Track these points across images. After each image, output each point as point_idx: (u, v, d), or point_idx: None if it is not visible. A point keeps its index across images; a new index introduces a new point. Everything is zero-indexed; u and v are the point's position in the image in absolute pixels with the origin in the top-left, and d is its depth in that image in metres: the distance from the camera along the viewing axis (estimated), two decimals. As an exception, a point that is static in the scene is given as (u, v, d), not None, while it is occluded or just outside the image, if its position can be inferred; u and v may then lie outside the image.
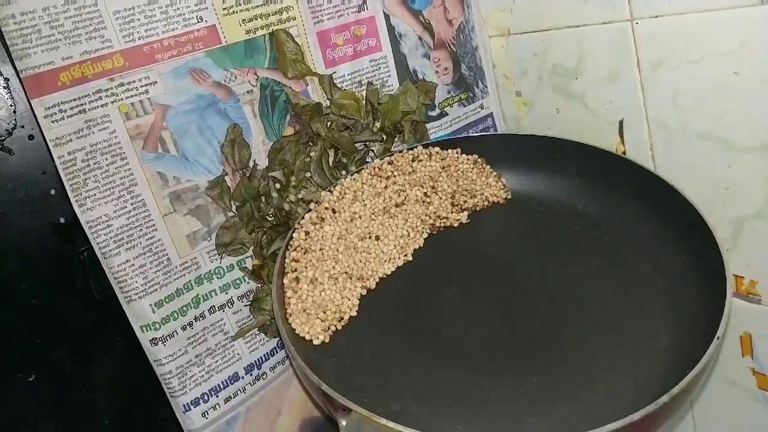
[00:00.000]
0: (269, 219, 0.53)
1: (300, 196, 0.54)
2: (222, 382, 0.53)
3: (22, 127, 0.51)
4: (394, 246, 0.52)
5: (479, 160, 0.57)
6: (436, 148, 0.56)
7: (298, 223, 0.51)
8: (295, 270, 0.48)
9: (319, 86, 0.55)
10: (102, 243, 0.47)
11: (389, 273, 0.51)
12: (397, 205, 0.53)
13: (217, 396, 0.53)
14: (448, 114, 0.62)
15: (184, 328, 0.51)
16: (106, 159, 0.47)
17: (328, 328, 0.46)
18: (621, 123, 0.55)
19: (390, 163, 0.55)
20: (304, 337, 0.45)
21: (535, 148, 0.56)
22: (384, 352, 0.45)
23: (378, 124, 0.56)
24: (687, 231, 0.46)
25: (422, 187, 0.55)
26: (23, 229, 0.53)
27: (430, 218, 0.54)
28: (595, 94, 0.56)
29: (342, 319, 0.47)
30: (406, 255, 0.52)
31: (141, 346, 0.50)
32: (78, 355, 0.57)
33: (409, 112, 0.57)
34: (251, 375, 0.54)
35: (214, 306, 0.53)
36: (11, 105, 0.50)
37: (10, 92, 0.50)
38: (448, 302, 0.48)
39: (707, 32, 0.45)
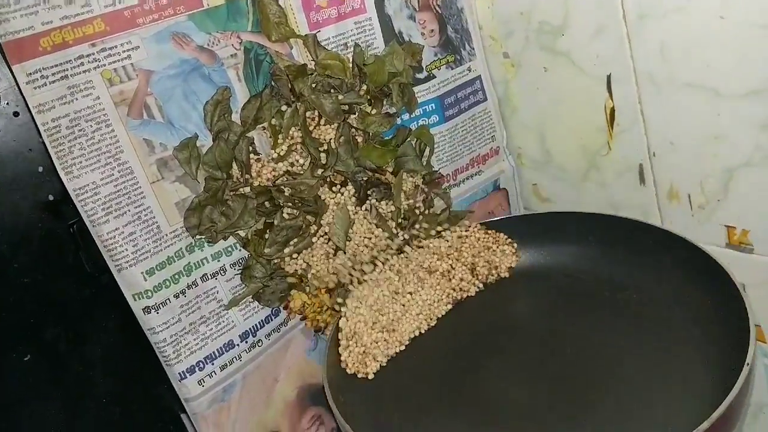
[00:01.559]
0: (246, 195, 0.52)
1: (290, 160, 0.54)
2: (217, 349, 0.53)
3: (7, 104, 0.50)
4: (421, 310, 0.57)
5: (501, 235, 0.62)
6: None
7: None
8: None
9: (303, 48, 0.54)
10: (90, 211, 0.47)
11: (418, 334, 0.56)
12: (428, 271, 0.58)
13: (213, 364, 0.52)
14: (435, 77, 0.61)
15: (176, 296, 0.51)
16: (91, 126, 0.46)
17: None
18: (609, 78, 0.55)
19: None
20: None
21: (554, 223, 0.60)
22: (420, 410, 0.49)
23: (364, 87, 0.56)
24: (706, 276, 0.48)
25: (447, 258, 0.59)
26: (12, 207, 0.52)
27: (454, 291, 0.58)
28: (582, 50, 0.56)
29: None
30: (430, 320, 0.57)
31: (137, 322, 0.50)
32: (73, 332, 0.56)
33: (395, 74, 0.57)
34: (246, 342, 0.54)
35: (207, 274, 0.52)
36: None
37: None
38: (486, 368, 0.51)
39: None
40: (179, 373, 0.51)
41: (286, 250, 0.54)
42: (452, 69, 0.62)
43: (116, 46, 0.46)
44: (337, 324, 0.55)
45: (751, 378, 0.40)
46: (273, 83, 0.53)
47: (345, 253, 0.56)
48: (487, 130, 0.66)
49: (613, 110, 0.56)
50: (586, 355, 0.50)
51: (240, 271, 0.54)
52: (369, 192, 0.58)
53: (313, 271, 0.56)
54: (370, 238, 0.57)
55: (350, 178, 0.57)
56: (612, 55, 0.53)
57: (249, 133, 0.53)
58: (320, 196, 0.55)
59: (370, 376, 0.53)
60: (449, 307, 0.58)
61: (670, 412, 0.42)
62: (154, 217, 0.49)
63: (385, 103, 0.58)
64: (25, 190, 0.53)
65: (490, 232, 0.61)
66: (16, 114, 0.50)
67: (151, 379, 0.57)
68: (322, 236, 0.56)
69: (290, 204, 0.54)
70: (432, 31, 0.60)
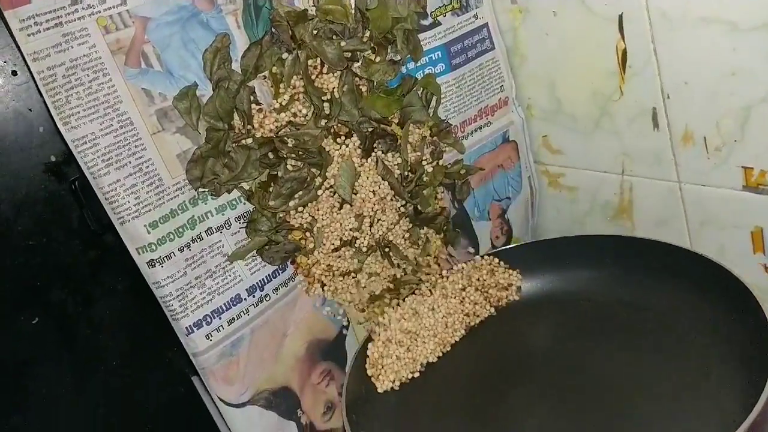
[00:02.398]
0: (249, 146, 0.51)
1: (293, 111, 0.53)
2: (224, 304, 0.52)
3: (5, 62, 0.49)
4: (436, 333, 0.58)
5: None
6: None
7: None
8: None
9: (300, -11, 0.53)
10: (90, 162, 0.46)
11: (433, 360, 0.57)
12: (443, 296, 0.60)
13: (220, 318, 0.52)
14: (441, 23, 0.59)
15: (181, 250, 0.50)
16: (88, 75, 0.45)
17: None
18: (620, 17, 0.53)
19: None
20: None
21: (568, 248, 0.61)
22: None
23: (367, 33, 0.54)
24: (724, 291, 0.48)
25: (459, 283, 0.61)
26: (13, 169, 0.52)
27: (467, 316, 0.60)
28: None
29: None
30: (444, 346, 0.58)
31: (146, 284, 0.49)
32: (80, 295, 0.56)
33: (399, 20, 0.55)
34: (254, 297, 0.54)
35: (212, 227, 0.52)
36: None
37: None
38: (508, 396, 0.52)
39: None
40: (186, 328, 0.51)
41: (291, 203, 0.53)
42: (458, 16, 0.60)
43: (111, -8, 0.45)
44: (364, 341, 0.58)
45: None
46: (273, 30, 0.51)
47: (351, 206, 0.55)
48: (496, 80, 0.65)
49: (625, 52, 0.54)
50: (609, 379, 0.50)
51: (245, 224, 0.53)
52: (375, 144, 0.57)
53: (319, 225, 0.55)
54: (375, 192, 0.56)
55: (355, 129, 0.55)
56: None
57: (250, 83, 0.51)
58: (324, 148, 0.54)
59: (380, 389, 0.55)
60: (463, 332, 0.59)
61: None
62: (156, 169, 0.48)
63: (389, 50, 0.56)
64: (26, 150, 0.52)
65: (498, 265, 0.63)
66: (14, 73, 0.49)
67: (161, 342, 0.57)
68: (328, 189, 0.55)
69: (294, 156, 0.53)
70: (436, -26, 0.58)
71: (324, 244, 0.55)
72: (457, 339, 0.59)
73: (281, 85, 0.52)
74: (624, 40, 0.54)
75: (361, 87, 0.56)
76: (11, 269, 0.53)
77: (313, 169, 0.54)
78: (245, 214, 0.53)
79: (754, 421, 0.37)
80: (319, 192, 0.54)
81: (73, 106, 0.45)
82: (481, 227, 0.67)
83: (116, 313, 0.57)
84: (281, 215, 0.54)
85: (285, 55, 0.52)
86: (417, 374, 0.57)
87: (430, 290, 0.61)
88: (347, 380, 0.55)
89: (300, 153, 0.53)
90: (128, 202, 0.47)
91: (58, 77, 0.44)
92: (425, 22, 0.58)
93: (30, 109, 0.51)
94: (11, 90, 0.50)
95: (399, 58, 0.56)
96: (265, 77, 0.52)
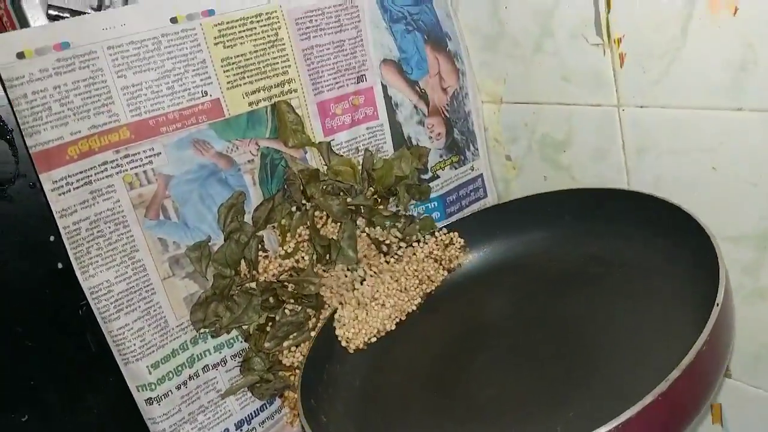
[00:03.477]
0: (251, 291, 0.54)
1: (296, 257, 0.56)
2: (213, 438, 0.55)
3: (24, 176, 0.52)
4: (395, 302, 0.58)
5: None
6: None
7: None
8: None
9: (317, 154, 0.56)
10: (103, 308, 0.49)
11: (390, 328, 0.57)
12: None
13: (209, 452, 0.54)
14: (439, 176, 0.64)
15: (178, 387, 0.52)
16: (109, 227, 0.48)
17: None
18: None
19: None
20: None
21: (525, 209, 0.60)
22: (405, 410, 0.49)
23: (371, 190, 0.58)
24: (681, 232, 0.47)
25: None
26: (22, 272, 0.54)
27: (422, 283, 0.59)
28: (582, 168, 0.58)
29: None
30: (401, 313, 0.58)
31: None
32: (71, 395, 0.58)
33: (403, 177, 0.59)
34: (241, 430, 0.56)
35: (208, 365, 0.54)
36: (13, 156, 0.51)
37: (14, 145, 0.51)
38: (472, 363, 0.51)
39: (688, 128, 0.48)
40: (176, 462, 0.53)
41: (285, 344, 0.56)
42: (456, 168, 0.65)
43: (139, 153, 0.49)
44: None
45: (724, 317, 0.39)
46: (286, 187, 0.55)
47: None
48: (486, 225, 0.69)
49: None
50: (571, 331, 0.49)
51: (240, 362, 0.56)
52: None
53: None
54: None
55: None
56: (610, 179, 0.56)
57: (259, 232, 0.55)
58: (321, 294, 0.57)
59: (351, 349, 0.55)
60: (419, 300, 0.59)
61: (658, 361, 0.41)
62: (163, 312, 0.51)
63: (390, 201, 0.60)
64: (36, 256, 0.54)
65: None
66: (32, 185, 0.52)
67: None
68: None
69: (293, 300, 0.56)
70: (439, 134, 0.63)
71: (313, 382, 0.58)
72: (415, 307, 0.58)
73: (288, 235, 0.56)
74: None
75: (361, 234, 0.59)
76: (8, 367, 0.55)
77: (309, 311, 0.57)
78: (241, 352, 0.56)
79: (703, 346, 0.37)
80: (312, 333, 0.57)
81: (93, 256, 0.48)
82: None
83: (102, 414, 0.59)
84: (274, 355, 0.57)
85: (293, 209, 0.56)
86: (375, 338, 0.56)
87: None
88: (304, 364, 0.53)
89: (299, 297, 0.56)
90: (134, 344, 0.50)
91: (82, 231, 0.47)
92: (425, 176, 0.62)
93: (44, 219, 0.53)
94: (26, 201, 0.52)
95: (400, 208, 0.60)
96: (273, 227, 0.56)
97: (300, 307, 0.56)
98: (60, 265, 0.55)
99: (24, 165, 0.52)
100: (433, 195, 0.64)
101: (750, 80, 0.43)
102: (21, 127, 0.44)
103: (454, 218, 0.64)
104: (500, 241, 0.61)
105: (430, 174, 0.63)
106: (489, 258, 0.61)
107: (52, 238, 0.55)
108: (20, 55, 0.43)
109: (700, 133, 0.47)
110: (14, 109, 0.44)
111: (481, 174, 0.67)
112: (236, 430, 0.56)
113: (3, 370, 0.54)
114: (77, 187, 0.46)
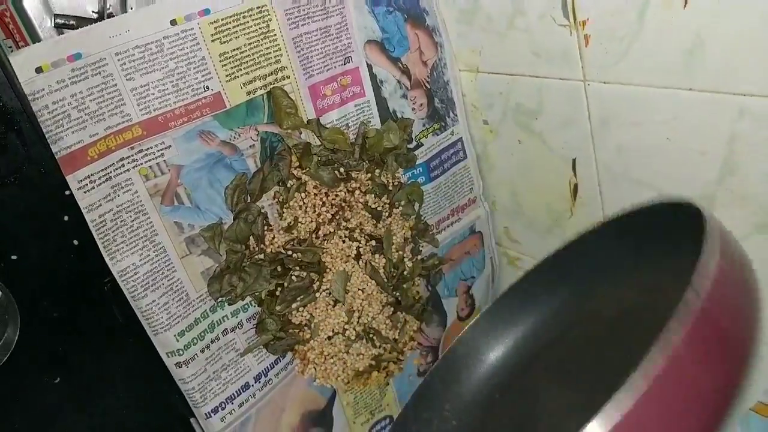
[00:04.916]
0: (260, 262, 0.60)
1: (293, 234, 0.62)
2: (236, 391, 0.62)
3: (34, 162, 0.56)
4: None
5: None
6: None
7: None
8: None
9: (311, 133, 0.61)
10: (131, 288, 0.54)
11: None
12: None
13: (233, 403, 0.62)
14: (423, 144, 0.69)
15: (202, 351, 0.59)
16: (131, 216, 0.53)
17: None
18: (574, 161, 0.64)
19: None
20: None
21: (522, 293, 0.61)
22: None
23: (358, 153, 0.63)
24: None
25: None
26: (41, 251, 0.60)
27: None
28: (553, 134, 0.64)
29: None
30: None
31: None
32: (98, 360, 0.65)
33: (392, 148, 0.64)
34: (260, 383, 0.64)
35: (227, 329, 0.61)
36: (22, 145, 0.55)
37: (23, 134, 0.54)
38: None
39: (646, 103, 0.54)
40: (206, 413, 0.60)
41: (294, 305, 0.63)
42: (437, 135, 0.70)
43: (151, 147, 0.53)
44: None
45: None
46: (275, 161, 0.60)
47: (343, 303, 0.65)
48: (467, 184, 0.75)
49: (576, 186, 0.65)
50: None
51: (255, 324, 0.62)
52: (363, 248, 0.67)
53: (316, 321, 0.65)
54: (363, 290, 0.66)
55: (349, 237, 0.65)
56: (578, 144, 0.62)
57: (262, 207, 0.60)
58: (322, 260, 0.63)
59: None
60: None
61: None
62: (184, 287, 0.57)
63: (383, 168, 0.66)
64: (53, 236, 0.59)
65: None
66: (42, 170, 0.56)
67: (164, 388, 0.66)
68: (324, 291, 0.64)
69: (298, 267, 0.62)
70: (421, 105, 0.67)
71: (319, 335, 0.65)
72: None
73: (285, 210, 0.61)
74: (576, 178, 0.64)
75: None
76: (39, 337, 0.61)
77: (312, 275, 0.64)
78: (255, 315, 0.63)
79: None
80: (317, 294, 0.64)
81: (119, 243, 0.53)
82: (450, 303, 0.78)
83: (130, 368, 0.66)
84: (285, 316, 0.63)
85: (291, 183, 0.61)
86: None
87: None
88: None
89: (303, 264, 0.63)
90: (161, 317, 0.56)
91: (107, 222, 0.52)
92: (410, 146, 0.68)
93: (55, 201, 0.58)
94: (38, 184, 0.57)
95: (388, 179, 0.66)
96: (276, 201, 0.61)
97: (305, 273, 0.63)
98: (76, 242, 0.61)
99: (32, 150, 0.56)
100: (419, 162, 0.69)
101: (698, 64, 0.48)
102: (45, 136, 0.48)
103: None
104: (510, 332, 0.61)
105: (415, 143, 0.68)
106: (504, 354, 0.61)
107: (66, 218, 0.60)
108: (38, 70, 0.47)
109: (656, 108, 0.53)
110: (39, 120, 0.48)
111: (461, 138, 0.72)
112: (255, 382, 0.63)
113: (34, 340, 0.61)
114: (99, 184, 0.51)
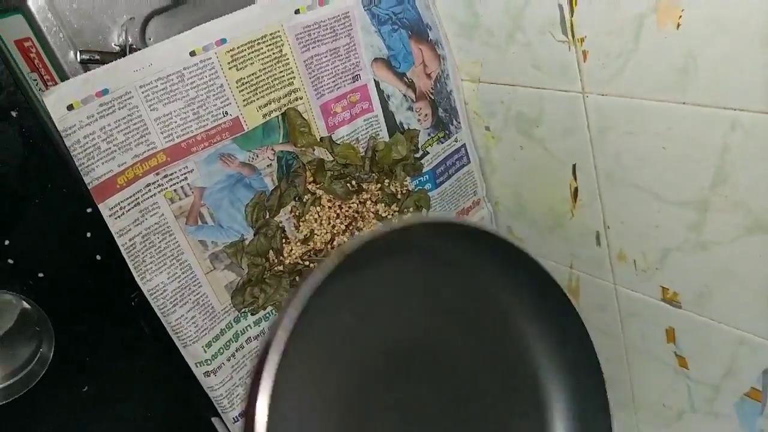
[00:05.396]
0: (280, 273, 0.64)
1: (309, 246, 0.65)
2: (261, 395, 0.65)
3: (57, 183, 0.59)
4: None
5: None
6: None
7: None
8: None
9: (324, 150, 0.64)
10: (161, 305, 0.57)
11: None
12: None
13: (258, 406, 0.65)
14: (429, 152, 0.72)
15: (228, 359, 0.63)
16: (158, 237, 0.56)
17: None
18: (574, 166, 0.67)
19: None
20: None
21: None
22: None
23: (374, 170, 0.66)
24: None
25: None
26: (65, 266, 0.63)
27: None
28: (553, 141, 0.67)
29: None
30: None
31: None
32: (123, 368, 0.68)
33: (400, 160, 0.67)
34: (282, 386, 0.67)
35: (250, 337, 0.64)
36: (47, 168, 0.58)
37: (45, 154, 0.57)
38: None
39: (643, 115, 0.57)
40: (233, 418, 0.64)
41: (312, 312, 0.66)
42: (442, 143, 0.73)
43: (176, 172, 0.56)
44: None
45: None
46: (290, 178, 0.63)
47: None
48: (470, 187, 0.78)
49: (576, 189, 0.68)
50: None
51: (276, 332, 0.66)
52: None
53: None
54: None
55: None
56: (578, 151, 0.65)
57: (280, 222, 0.63)
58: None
59: None
60: None
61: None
62: (209, 300, 0.60)
63: (392, 178, 0.69)
64: (77, 251, 0.63)
65: None
66: (63, 190, 0.59)
67: (185, 387, 0.70)
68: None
69: (315, 276, 0.66)
70: (426, 115, 0.70)
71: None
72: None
73: (301, 223, 0.64)
74: (576, 182, 0.68)
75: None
76: (68, 349, 0.64)
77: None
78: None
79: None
80: (334, 300, 0.67)
81: (148, 264, 0.56)
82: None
83: (152, 372, 0.69)
84: (304, 322, 0.67)
85: (306, 198, 0.64)
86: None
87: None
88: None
89: (319, 273, 0.66)
90: (190, 330, 0.59)
91: (137, 245, 0.55)
92: (416, 155, 0.71)
93: (80, 218, 0.61)
94: (61, 201, 0.60)
95: (397, 188, 0.69)
96: (293, 215, 0.64)
97: (321, 282, 0.66)
98: (99, 257, 0.64)
99: (56, 172, 0.59)
100: (425, 170, 0.72)
101: (691, 80, 0.51)
102: (78, 168, 0.51)
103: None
104: None
105: (421, 152, 0.71)
106: None
107: (88, 235, 0.63)
108: (70, 107, 0.49)
109: (652, 119, 0.56)
110: (71, 154, 0.51)
111: (464, 143, 0.75)
112: (278, 386, 0.67)
113: (65, 353, 0.64)
114: (129, 209, 0.54)
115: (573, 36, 0.58)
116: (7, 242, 0.59)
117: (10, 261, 0.59)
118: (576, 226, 0.72)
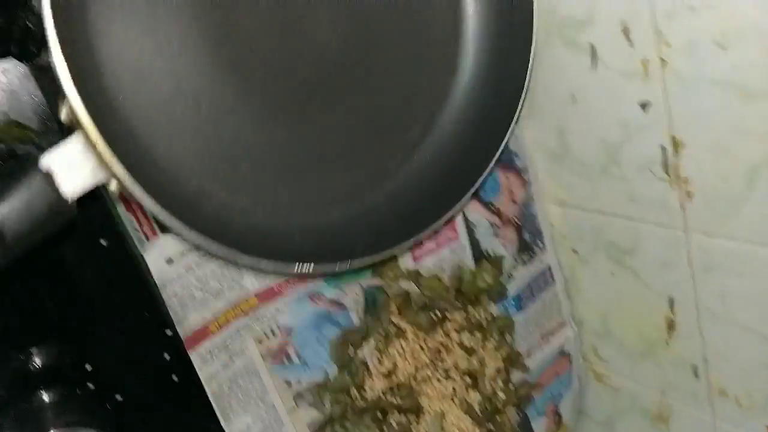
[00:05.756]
0: (362, 408, 0.61)
1: (392, 380, 0.63)
2: None
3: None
4: None
5: None
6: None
7: None
8: None
9: (408, 281, 0.63)
10: (245, 448, 0.56)
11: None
12: None
13: None
14: (514, 278, 0.70)
15: (310, 499, 0.60)
16: (245, 380, 0.55)
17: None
18: (672, 299, 0.63)
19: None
20: None
21: None
22: None
23: (459, 301, 0.64)
24: None
25: None
26: (145, 391, 0.61)
27: None
28: (649, 272, 0.64)
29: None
30: None
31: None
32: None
33: (486, 288, 0.65)
34: None
35: (331, 476, 0.62)
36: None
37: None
38: None
39: (755, 259, 0.53)
40: None
41: (393, 449, 0.64)
42: (527, 265, 0.71)
43: (266, 314, 0.55)
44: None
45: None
46: (377, 312, 0.61)
47: (441, 445, 0.66)
48: (555, 308, 0.75)
49: (672, 321, 0.65)
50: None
51: (357, 470, 0.63)
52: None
53: (414, 461, 0.65)
54: (459, 427, 0.67)
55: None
56: (676, 286, 0.62)
57: (364, 357, 0.62)
58: (420, 404, 0.64)
59: None
60: None
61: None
62: (291, 440, 0.58)
63: (472, 310, 0.67)
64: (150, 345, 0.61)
65: None
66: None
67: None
68: None
69: (396, 411, 0.63)
70: (511, 240, 0.68)
71: (418, 475, 0.66)
72: None
73: (383, 357, 0.63)
74: (673, 315, 0.64)
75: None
76: None
77: (410, 416, 0.64)
78: (356, 459, 0.63)
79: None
80: (415, 434, 0.65)
81: (234, 407, 0.55)
82: (538, 423, 0.78)
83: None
84: (385, 458, 0.64)
85: (391, 330, 0.63)
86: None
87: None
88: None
89: (402, 408, 0.63)
90: (272, 472, 0.57)
91: (224, 389, 0.54)
92: (501, 279, 0.68)
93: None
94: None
95: (482, 316, 0.67)
96: (376, 347, 0.63)
97: (404, 417, 0.64)
98: (175, 378, 0.63)
99: (138, 295, 0.58)
100: (510, 294, 0.70)
101: (813, 234, 0.48)
102: (172, 318, 0.51)
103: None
104: None
105: (507, 277, 0.69)
106: None
107: (167, 357, 0.62)
108: (169, 261, 0.49)
109: (766, 264, 0.53)
110: (166, 303, 0.50)
111: (549, 265, 0.73)
112: None
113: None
114: (218, 354, 0.53)
115: (677, 176, 0.55)
116: (89, 367, 0.59)
117: (91, 386, 0.59)
118: (671, 356, 0.68)
